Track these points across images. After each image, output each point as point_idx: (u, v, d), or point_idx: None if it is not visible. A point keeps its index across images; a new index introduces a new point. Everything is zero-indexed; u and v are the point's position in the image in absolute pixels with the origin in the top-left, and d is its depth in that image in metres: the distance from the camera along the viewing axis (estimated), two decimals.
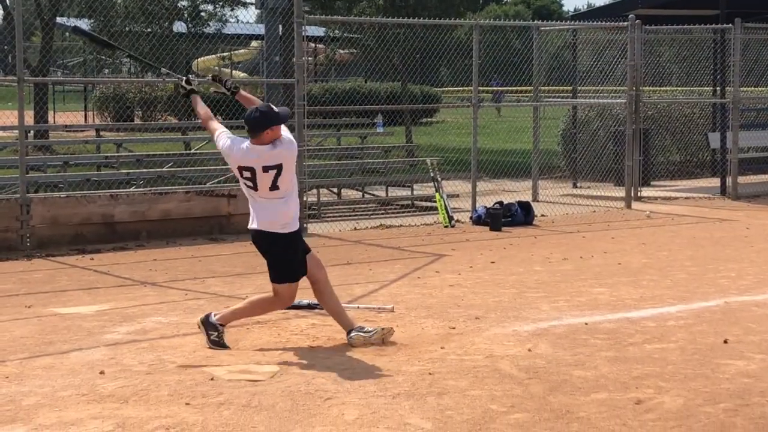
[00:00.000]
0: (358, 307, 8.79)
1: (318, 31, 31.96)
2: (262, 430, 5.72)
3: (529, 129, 18.77)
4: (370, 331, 7.48)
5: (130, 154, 19.44)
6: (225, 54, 40.69)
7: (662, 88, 24.57)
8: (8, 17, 24.36)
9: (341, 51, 34.66)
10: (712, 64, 21.34)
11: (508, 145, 25.04)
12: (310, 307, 8.70)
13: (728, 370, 6.96)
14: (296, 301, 8.62)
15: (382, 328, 7.58)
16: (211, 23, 27.25)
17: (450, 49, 21.50)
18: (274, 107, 7.35)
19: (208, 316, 7.52)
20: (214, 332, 7.45)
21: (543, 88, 19.27)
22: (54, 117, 31.19)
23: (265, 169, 7.23)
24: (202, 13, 27.06)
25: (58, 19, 27.39)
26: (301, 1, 13.76)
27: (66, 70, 41.79)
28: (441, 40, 21.18)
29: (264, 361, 7.08)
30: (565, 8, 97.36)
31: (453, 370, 6.87)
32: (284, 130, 7.39)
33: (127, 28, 25.17)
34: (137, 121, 31.28)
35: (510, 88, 31.33)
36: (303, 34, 13.74)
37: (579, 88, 20.60)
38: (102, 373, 6.76)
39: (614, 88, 19.41)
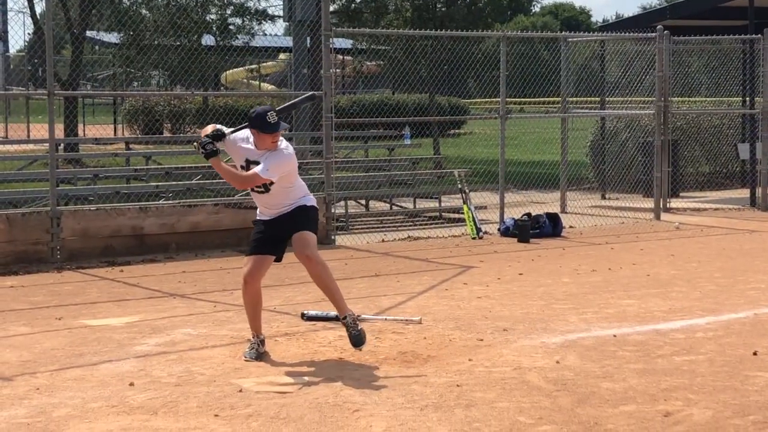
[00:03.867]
0: (386, 319, 8.80)
1: (345, 43, 32.06)
2: None
3: (557, 140, 18.74)
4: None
5: (159, 166, 19.55)
6: (253, 66, 40.86)
7: (691, 99, 24.48)
8: (39, 31, 24.57)
9: (368, 63, 34.72)
10: (741, 74, 21.24)
11: (536, 156, 25.01)
12: (337, 318, 8.73)
13: (757, 382, 6.92)
14: (323, 312, 8.68)
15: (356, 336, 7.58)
16: (239, 36, 27.38)
17: (477, 60, 21.50)
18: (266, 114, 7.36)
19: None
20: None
21: (571, 99, 19.24)
22: (84, 130, 31.41)
23: None
24: (231, 27, 27.20)
25: (88, 33, 27.60)
26: (328, 14, 13.82)
27: (96, 83, 42.08)
28: (468, 51, 21.19)
29: (292, 373, 7.11)
30: (593, 19, 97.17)
31: (481, 382, 6.87)
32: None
33: (156, 42, 25.31)
34: (166, 133, 31.46)
35: (536, 99, 31.32)
36: (331, 46, 13.79)
37: (607, 99, 20.57)
38: (131, 384, 6.81)
39: (643, 98, 19.36)
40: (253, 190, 7.60)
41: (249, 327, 7.68)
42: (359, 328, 7.51)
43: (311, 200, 7.68)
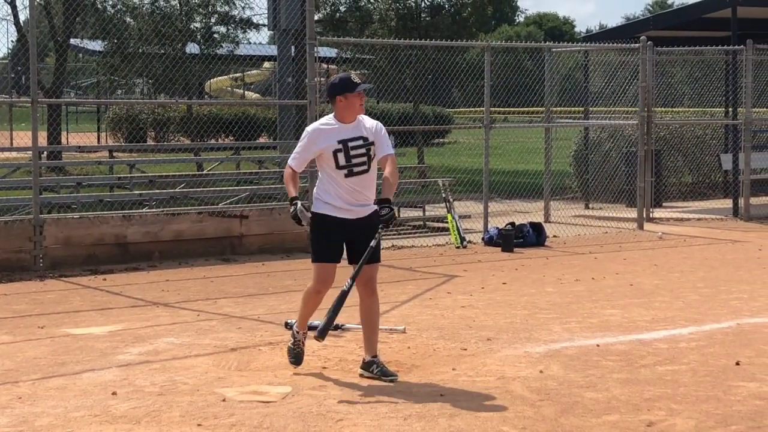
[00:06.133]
0: None
1: (330, 52, 32.05)
2: None
3: (540, 150, 18.80)
4: (374, 372, 7.21)
5: (142, 175, 19.52)
6: (237, 75, 40.83)
7: (674, 109, 24.59)
8: (22, 39, 24.49)
9: (353, 72, 34.75)
10: (724, 85, 21.34)
11: (520, 166, 25.07)
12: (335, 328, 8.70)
13: (740, 392, 6.94)
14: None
15: (389, 378, 7.15)
16: (223, 45, 27.37)
17: (462, 70, 21.54)
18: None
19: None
20: (291, 339, 7.50)
21: (555, 109, 19.30)
22: (67, 138, 31.32)
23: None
24: (215, 35, 27.19)
25: (72, 41, 27.54)
26: (313, 23, 13.82)
27: (79, 91, 41.97)
28: (453, 61, 21.21)
29: (276, 382, 7.09)
30: (577, 29, 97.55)
31: (464, 391, 6.87)
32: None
33: (140, 50, 25.28)
34: (150, 141, 31.41)
35: (520, 109, 31.43)
36: (315, 55, 13.79)
37: (591, 109, 20.63)
38: (114, 394, 6.78)
39: (626, 109, 19.44)
40: (342, 168, 7.17)
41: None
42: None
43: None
